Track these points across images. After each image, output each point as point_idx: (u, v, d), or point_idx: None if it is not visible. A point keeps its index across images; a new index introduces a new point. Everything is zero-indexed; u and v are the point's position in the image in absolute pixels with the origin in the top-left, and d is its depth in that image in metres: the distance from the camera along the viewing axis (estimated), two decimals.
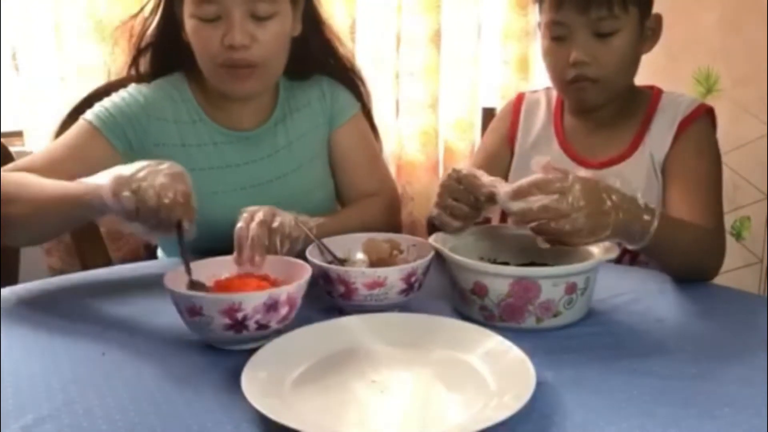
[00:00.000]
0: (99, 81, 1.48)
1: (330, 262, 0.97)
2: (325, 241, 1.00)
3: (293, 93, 1.29)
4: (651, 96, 1.26)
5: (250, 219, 0.97)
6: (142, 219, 0.90)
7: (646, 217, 0.91)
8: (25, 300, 1.01)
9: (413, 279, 0.91)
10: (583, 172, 0.89)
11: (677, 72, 2.09)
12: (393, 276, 0.89)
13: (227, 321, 0.79)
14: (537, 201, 0.86)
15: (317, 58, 1.30)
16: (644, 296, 1.01)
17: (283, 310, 0.81)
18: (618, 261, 1.18)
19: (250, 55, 1.11)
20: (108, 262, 1.38)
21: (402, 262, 0.96)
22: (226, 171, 1.22)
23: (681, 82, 2.10)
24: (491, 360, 0.77)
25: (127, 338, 0.88)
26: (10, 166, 1.13)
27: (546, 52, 1.21)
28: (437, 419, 0.71)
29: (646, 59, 1.22)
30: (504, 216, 1.19)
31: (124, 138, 1.17)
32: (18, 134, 1.69)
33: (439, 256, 0.94)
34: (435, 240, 0.97)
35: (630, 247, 0.93)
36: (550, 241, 0.89)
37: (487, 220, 1.00)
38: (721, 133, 1.24)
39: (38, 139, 1.65)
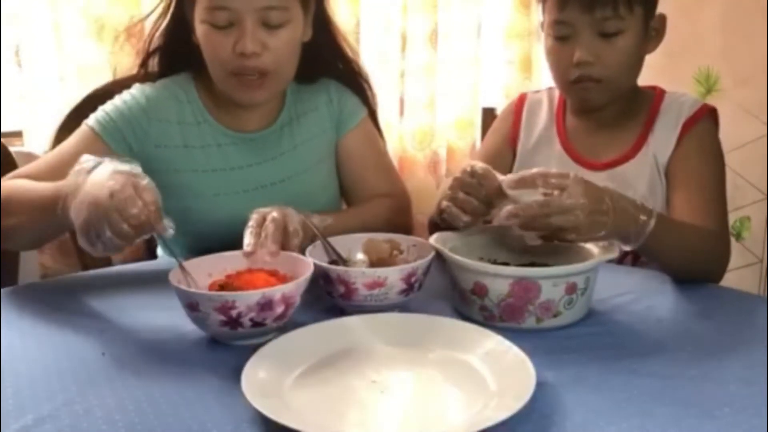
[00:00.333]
0: (99, 81, 1.48)
1: (333, 262, 0.97)
2: None
3: (300, 96, 1.29)
4: (654, 96, 1.26)
5: (262, 219, 0.97)
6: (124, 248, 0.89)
7: (643, 218, 0.91)
8: (25, 300, 1.01)
9: (413, 279, 0.91)
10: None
11: (677, 72, 2.09)
12: (393, 276, 0.89)
13: (222, 318, 0.80)
14: (537, 196, 0.87)
15: (326, 62, 1.30)
16: (644, 296, 1.01)
17: (279, 309, 0.82)
18: (620, 261, 1.18)
19: (261, 63, 1.11)
20: (108, 262, 1.38)
21: (402, 263, 0.96)
22: (230, 173, 1.22)
23: (681, 82, 2.10)
24: (491, 360, 0.77)
25: (127, 338, 0.88)
26: (13, 174, 1.13)
27: (549, 51, 1.21)
28: (437, 419, 0.71)
29: (646, 59, 1.22)
30: None
31: (123, 143, 1.16)
32: (17, 134, 1.69)
33: (439, 256, 0.94)
34: (435, 240, 0.97)
35: (625, 247, 0.93)
36: (545, 238, 0.89)
37: (490, 222, 1.00)
38: (721, 133, 1.24)
39: (37, 139, 1.65)
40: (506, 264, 0.99)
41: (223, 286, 0.88)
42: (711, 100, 1.25)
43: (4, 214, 1.03)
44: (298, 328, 0.83)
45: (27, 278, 1.39)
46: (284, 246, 0.96)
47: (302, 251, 0.95)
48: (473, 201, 0.97)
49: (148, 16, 1.23)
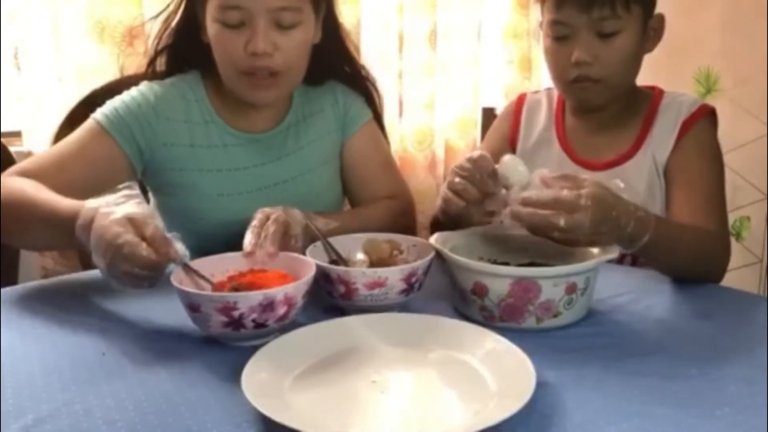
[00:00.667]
0: (98, 81, 1.48)
1: (333, 262, 0.97)
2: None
3: (307, 98, 1.29)
4: (652, 96, 1.26)
5: (266, 219, 0.97)
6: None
7: (641, 223, 0.91)
8: (25, 300, 1.01)
9: (413, 279, 0.91)
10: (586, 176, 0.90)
11: (677, 72, 2.09)
12: (393, 276, 0.89)
13: (224, 319, 0.80)
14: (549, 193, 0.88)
15: (333, 65, 1.30)
16: (644, 296, 1.01)
17: (281, 310, 0.82)
18: (619, 261, 1.18)
19: (272, 63, 1.11)
20: None
21: (402, 263, 0.96)
22: (234, 173, 1.22)
23: (681, 82, 2.10)
24: (491, 360, 0.77)
25: (127, 338, 0.88)
26: (17, 167, 1.12)
27: (548, 51, 1.21)
28: (437, 419, 0.71)
29: (646, 59, 1.22)
30: None
31: (131, 139, 1.16)
32: (17, 134, 1.69)
33: (439, 256, 0.94)
34: (435, 240, 0.97)
35: (623, 251, 0.93)
36: (551, 239, 0.89)
37: (491, 213, 0.99)
38: (720, 133, 1.24)
39: (37, 140, 1.65)
40: (506, 264, 0.99)
41: (236, 288, 0.87)
42: (711, 100, 1.25)
43: (18, 222, 1.03)
44: (298, 328, 0.83)
45: (27, 275, 1.39)
46: (285, 247, 0.96)
47: (303, 252, 0.96)
48: (468, 186, 0.97)
49: (158, 15, 1.23)
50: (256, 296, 0.80)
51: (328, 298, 0.93)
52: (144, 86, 1.21)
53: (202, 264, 0.90)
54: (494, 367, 0.76)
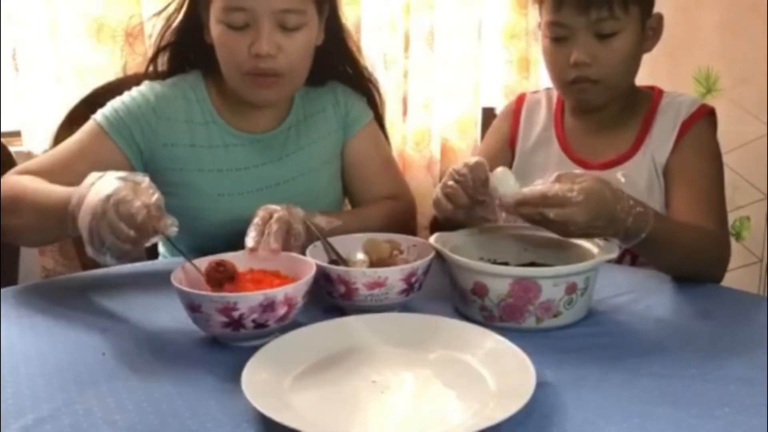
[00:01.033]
0: (97, 81, 1.48)
1: (333, 262, 0.97)
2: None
3: (308, 98, 1.29)
4: (652, 96, 1.26)
5: (269, 216, 0.97)
6: (136, 252, 0.89)
7: (640, 218, 0.91)
8: (25, 300, 1.01)
9: (413, 279, 0.91)
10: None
11: (677, 72, 2.09)
12: (393, 276, 0.89)
13: (224, 319, 0.80)
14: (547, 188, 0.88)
15: (335, 65, 1.30)
16: (644, 296, 1.01)
17: (281, 310, 0.82)
18: (618, 261, 1.18)
19: (276, 65, 1.11)
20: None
21: (402, 263, 0.96)
22: (235, 173, 1.22)
23: (681, 82, 2.10)
24: (491, 360, 0.77)
25: (127, 338, 0.88)
26: (17, 168, 1.13)
27: (546, 52, 1.21)
28: (437, 419, 0.71)
29: (646, 59, 1.22)
30: None
31: (131, 140, 1.17)
32: (16, 134, 1.69)
33: (439, 256, 0.94)
34: (435, 240, 0.97)
35: (622, 246, 0.93)
36: (546, 227, 0.89)
37: (481, 219, 1.00)
38: (720, 133, 1.24)
39: (35, 140, 1.65)
40: (506, 264, 0.99)
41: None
42: (711, 100, 1.25)
43: (13, 213, 1.03)
44: (298, 328, 0.83)
45: (27, 275, 1.39)
46: (286, 246, 0.96)
47: (303, 251, 0.96)
48: (459, 191, 0.97)
49: (160, 13, 1.23)
50: (256, 296, 0.80)
51: (328, 298, 0.93)
52: (144, 86, 1.21)
53: (201, 264, 0.90)
54: (494, 367, 0.76)
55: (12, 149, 1.38)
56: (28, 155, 1.60)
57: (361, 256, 0.99)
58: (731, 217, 1.23)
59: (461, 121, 2.13)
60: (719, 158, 1.21)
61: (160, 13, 1.24)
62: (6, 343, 0.86)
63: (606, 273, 0.96)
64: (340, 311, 0.92)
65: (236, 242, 0.95)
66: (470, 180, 0.97)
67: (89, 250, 0.87)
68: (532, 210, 0.88)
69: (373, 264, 0.96)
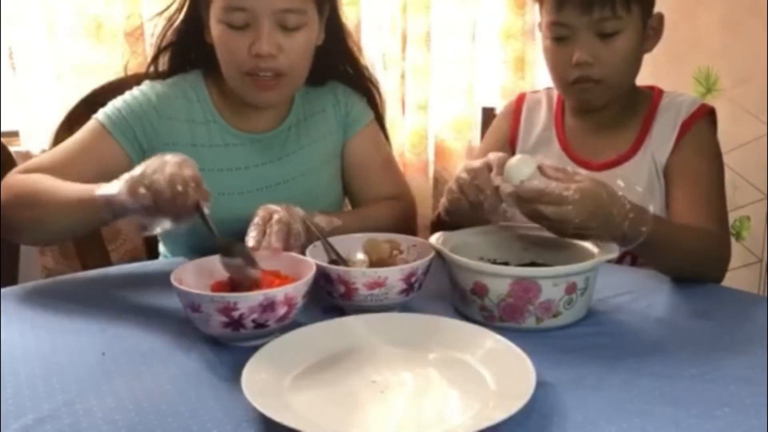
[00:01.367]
0: (96, 80, 1.48)
1: (333, 262, 0.97)
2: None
3: (308, 98, 1.29)
4: (652, 96, 1.26)
5: (269, 216, 0.97)
6: (162, 211, 0.91)
7: (637, 222, 0.91)
8: (25, 300, 1.01)
9: (413, 279, 0.91)
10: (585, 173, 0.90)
11: (677, 72, 2.09)
12: (393, 276, 0.89)
13: (224, 319, 0.80)
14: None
15: (336, 66, 1.30)
16: (644, 296, 1.01)
17: (281, 310, 0.82)
18: (619, 261, 1.18)
19: (276, 65, 1.12)
20: (107, 263, 1.38)
21: (402, 263, 0.96)
22: (235, 173, 1.22)
23: (681, 82, 2.10)
24: (491, 360, 0.77)
25: (127, 338, 0.88)
26: (21, 167, 1.13)
27: (548, 52, 1.21)
28: (437, 419, 0.71)
29: (646, 59, 1.22)
30: None
31: (134, 139, 1.17)
32: (14, 134, 1.69)
33: (439, 256, 0.94)
34: (435, 240, 0.97)
35: (621, 249, 0.93)
36: (543, 225, 0.89)
37: (488, 221, 1.00)
38: (720, 133, 1.24)
39: (34, 139, 1.65)
40: (506, 264, 0.99)
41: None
42: (711, 100, 1.25)
43: (27, 207, 1.04)
44: (298, 328, 0.83)
45: (27, 275, 1.39)
46: (286, 246, 0.96)
47: (303, 251, 0.96)
48: (462, 202, 0.97)
49: (161, 13, 1.23)
50: (256, 296, 0.80)
51: (328, 298, 0.93)
52: (146, 86, 1.22)
53: (201, 264, 0.90)
54: (494, 367, 0.76)
55: (10, 149, 1.38)
56: (27, 155, 1.60)
57: (361, 256, 0.99)
58: (731, 217, 1.23)
59: (456, 121, 2.13)
60: (720, 158, 1.21)
61: (161, 13, 1.24)
62: (6, 343, 0.86)
63: (606, 273, 0.96)
64: (339, 311, 0.92)
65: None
66: (470, 185, 0.96)
67: (123, 192, 0.92)
68: (528, 205, 0.88)
69: (373, 264, 0.97)
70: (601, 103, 1.22)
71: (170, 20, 1.22)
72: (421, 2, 2.00)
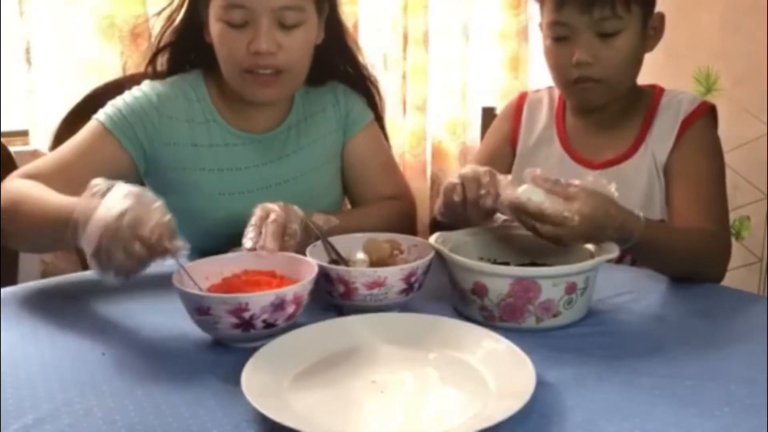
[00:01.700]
0: (107, 78, 1.48)
1: (333, 261, 0.97)
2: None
3: (308, 98, 1.29)
4: (653, 95, 1.26)
5: (265, 216, 0.97)
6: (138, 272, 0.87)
7: (626, 232, 0.91)
8: (24, 300, 1.01)
9: (413, 279, 0.91)
10: (578, 182, 0.90)
11: (677, 71, 2.09)
12: (393, 276, 0.89)
13: (235, 320, 0.79)
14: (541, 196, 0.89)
15: (335, 65, 1.30)
16: (644, 296, 1.01)
17: (290, 309, 0.82)
18: (619, 261, 1.18)
19: (276, 62, 1.12)
20: None
21: (402, 263, 0.96)
22: (236, 173, 1.22)
23: (681, 82, 2.10)
24: (491, 360, 0.77)
25: (127, 338, 0.88)
26: (21, 171, 1.12)
27: (548, 52, 1.21)
28: (437, 419, 0.71)
29: (646, 59, 1.22)
30: None
31: (135, 139, 1.16)
32: (24, 133, 1.69)
33: (439, 256, 0.94)
34: (435, 240, 0.97)
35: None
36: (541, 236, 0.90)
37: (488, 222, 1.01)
38: (720, 133, 1.24)
39: (44, 138, 1.65)
40: (506, 264, 0.99)
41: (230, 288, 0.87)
42: (710, 100, 1.24)
43: (10, 219, 1.03)
44: (298, 328, 0.83)
45: (27, 275, 1.39)
46: (281, 246, 0.96)
47: (302, 251, 0.96)
48: (458, 214, 0.98)
49: (161, 12, 1.23)
50: (267, 296, 0.80)
51: (328, 298, 0.93)
52: (146, 85, 1.21)
53: (195, 267, 0.90)
54: (494, 367, 0.76)
55: (20, 148, 1.38)
56: (35, 153, 1.60)
57: (361, 255, 0.99)
58: (731, 217, 1.23)
59: (450, 122, 2.13)
60: (720, 156, 1.21)
61: (160, 12, 1.24)
62: (6, 343, 0.86)
63: (606, 273, 0.96)
64: (339, 311, 0.92)
65: (237, 241, 0.95)
66: (473, 180, 0.96)
67: (92, 265, 0.85)
68: (526, 218, 0.89)
69: (373, 264, 0.96)
70: (602, 102, 1.22)
71: (169, 20, 1.22)
72: (420, 2, 2.00)
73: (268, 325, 0.81)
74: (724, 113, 1.26)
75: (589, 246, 0.95)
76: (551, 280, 0.87)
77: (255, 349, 0.77)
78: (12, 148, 1.37)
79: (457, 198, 0.97)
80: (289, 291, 0.81)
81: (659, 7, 1.20)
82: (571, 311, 0.89)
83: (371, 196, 1.31)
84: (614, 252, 0.91)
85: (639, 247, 0.94)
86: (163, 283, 0.84)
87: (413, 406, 0.73)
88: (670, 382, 0.76)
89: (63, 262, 1.68)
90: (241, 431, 0.67)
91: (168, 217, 0.85)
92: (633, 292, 1.02)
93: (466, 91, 2.13)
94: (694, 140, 1.20)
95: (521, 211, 0.89)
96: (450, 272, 0.94)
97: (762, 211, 2.14)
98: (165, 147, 1.19)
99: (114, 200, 0.85)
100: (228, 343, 0.85)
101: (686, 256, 1.04)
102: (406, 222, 1.28)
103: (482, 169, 0.97)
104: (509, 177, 0.96)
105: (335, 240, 1.01)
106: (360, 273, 0.89)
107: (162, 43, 1.24)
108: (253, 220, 0.97)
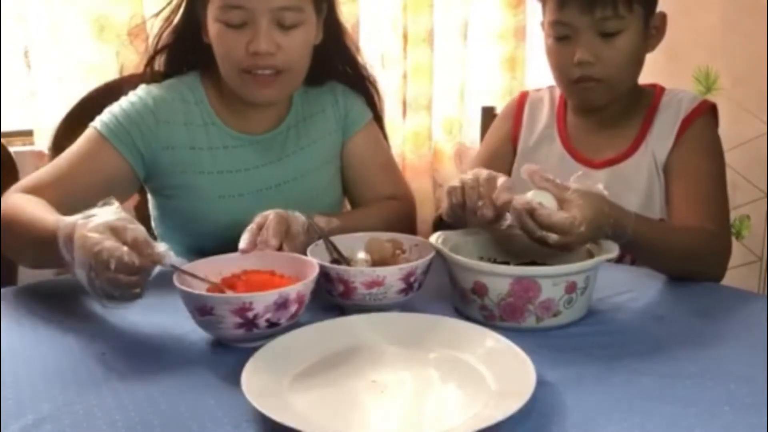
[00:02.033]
0: (103, 79, 1.48)
1: (335, 261, 0.97)
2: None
3: (307, 98, 1.29)
4: (653, 94, 1.26)
5: (264, 222, 0.97)
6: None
7: (624, 219, 0.92)
8: (24, 300, 1.01)
9: (412, 279, 0.91)
10: (573, 185, 0.90)
11: (677, 71, 2.09)
12: (392, 275, 0.89)
13: (238, 320, 0.79)
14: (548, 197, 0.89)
15: (334, 65, 1.30)
16: (644, 295, 1.01)
17: (293, 308, 0.82)
18: (618, 260, 1.18)
19: (274, 62, 1.11)
20: None
21: (404, 262, 0.96)
22: (235, 175, 1.21)
23: (681, 81, 2.10)
24: (491, 359, 0.77)
25: (127, 338, 0.88)
26: (20, 184, 1.11)
27: (550, 51, 1.21)
28: (437, 419, 0.71)
29: (646, 58, 1.22)
30: None
31: (132, 146, 1.16)
32: (28, 133, 1.69)
33: (440, 256, 0.94)
34: (435, 240, 0.97)
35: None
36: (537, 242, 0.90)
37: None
38: (720, 132, 1.24)
39: (47, 139, 1.65)
40: (506, 263, 0.99)
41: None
42: (710, 99, 1.24)
43: (8, 236, 1.02)
44: (298, 328, 0.83)
45: (27, 276, 1.38)
46: (281, 243, 0.96)
47: (304, 252, 0.96)
48: (462, 217, 0.97)
49: (159, 13, 1.23)
50: (271, 296, 0.80)
51: (328, 297, 0.93)
52: (142, 90, 1.20)
53: (194, 267, 0.90)
54: (494, 367, 0.76)
55: (20, 148, 1.38)
56: (40, 155, 1.60)
57: (362, 255, 0.99)
58: (731, 216, 1.23)
59: (446, 122, 2.12)
60: (721, 155, 1.21)
61: (158, 14, 1.23)
62: (6, 343, 0.86)
63: (606, 272, 0.96)
64: (339, 310, 0.92)
65: (237, 243, 0.95)
66: (459, 197, 0.96)
67: (96, 298, 0.84)
68: (533, 227, 0.88)
69: (375, 263, 0.96)
70: (603, 101, 1.22)
71: (167, 21, 1.22)
72: (421, 1, 1.99)
73: (271, 324, 0.81)
74: (723, 112, 1.26)
75: (589, 245, 0.95)
76: (551, 279, 0.87)
77: (255, 349, 0.77)
78: (12, 149, 1.37)
79: (455, 201, 0.97)
80: (292, 290, 0.81)
81: (660, 7, 1.20)
82: (571, 311, 0.89)
83: (371, 196, 1.31)
84: (614, 251, 0.91)
85: (634, 244, 0.94)
86: (163, 282, 0.84)
87: (413, 405, 0.74)
88: (670, 382, 0.76)
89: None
90: (241, 431, 0.67)
91: (137, 231, 0.82)
92: (633, 291, 1.02)
93: (464, 91, 2.12)
94: (694, 139, 1.20)
95: (528, 218, 0.88)
96: (450, 272, 0.94)
97: (762, 210, 2.14)
98: (163, 151, 1.18)
99: (85, 240, 0.82)
100: (229, 343, 0.85)
101: (685, 255, 1.04)
102: (405, 222, 1.28)
103: (484, 174, 0.96)
104: (508, 182, 0.95)
105: (337, 239, 1.01)
106: (359, 272, 0.89)
107: (160, 45, 1.24)
108: (251, 226, 0.97)
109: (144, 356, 0.83)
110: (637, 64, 1.21)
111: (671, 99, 1.24)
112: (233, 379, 0.72)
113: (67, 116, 1.36)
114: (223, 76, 1.16)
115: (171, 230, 1.24)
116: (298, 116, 1.28)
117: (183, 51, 1.23)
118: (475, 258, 0.96)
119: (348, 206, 1.39)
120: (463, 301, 0.93)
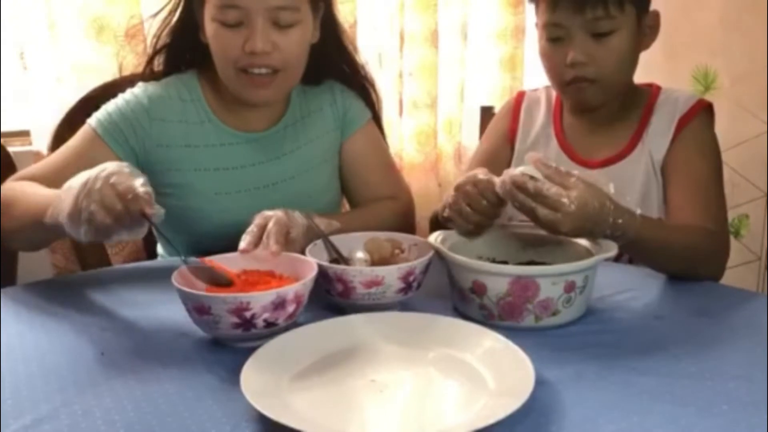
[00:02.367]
0: (102, 80, 1.48)
1: (334, 261, 0.97)
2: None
3: (305, 97, 1.29)
4: (649, 93, 1.26)
5: (265, 222, 0.97)
6: (111, 231, 0.88)
7: (620, 229, 0.91)
8: (23, 300, 1.01)
9: (411, 278, 0.91)
10: (576, 173, 0.90)
11: (676, 70, 2.09)
12: (391, 275, 0.89)
13: (235, 320, 0.79)
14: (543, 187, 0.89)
15: (332, 64, 1.30)
16: (643, 294, 1.01)
17: (291, 308, 0.82)
18: (617, 259, 1.18)
19: (271, 61, 1.12)
20: (107, 263, 1.38)
21: (403, 262, 0.96)
22: (232, 172, 1.21)
23: (679, 81, 2.10)
24: (490, 359, 0.77)
25: (126, 338, 0.88)
26: (18, 174, 1.13)
27: (543, 53, 1.21)
28: (436, 418, 0.71)
29: (644, 57, 1.22)
30: None
31: (126, 144, 1.16)
32: (25, 133, 1.69)
33: (439, 255, 0.94)
34: (434, 239, 0.97)
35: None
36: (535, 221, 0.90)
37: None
38: (719, 131, 1.24)
39: (45, 139, 1.64)
40: (505, 262, 0.99)
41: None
42: (709, 98, 1.24)
43: (8, 214, 1.04)
44: (297, 328, 0.83)
45: (27, 276, 1.38)
46: (283, 247, 0.96)
47: (302, 252, 0.96)
48: (473, 214, 0.96)
49: (157, 13, 1.23)
50: (268, 295, 0.80)
51: (328, 297, 0.93)
52: (138, 88, 1.21)
53: (192, 268, 0.89)
54: (493, 366, 0.76)
55: (21, 149, 1.38)
56: (37, 155, 1.60)
57: (361, 254, 0.99)
58: (730, 216, 1.23)
59: (446, 121, 2.12)
60: (718, 154, 1.21)
61: (156, 14, 1.24)
62: (5, 343, 0.86)
63: (605, 271, 0.96)
64: (338, 310, 0.92)
65: (234, 241, 0.95)
66: (483, 197, 0.95)
67: (68, 226, 0.88)
68: (524, 199, 0.88)
69: (374, 263, 0.97)
70: (598, 102, 1.22)
71: (165, 21, 1.22)
72: (421, 1, 1.99)
73: (269, 324, 0.81)
74: (723, 111, 1.26)
75: (588, 244, 0.95)
76: (550, 278, 0.87)
77: (254, 349, 0.77)
78: (11, 149, 1.37)
79: (446, 215, 0.98)
80: (290, 290, 0.81)
81: (658, 6, 1.20)
82: (570, 310, 0.89)
83: (369, 196, 1.31)
84: (613, 250, 0.91)
85: (635, 245, 0.94)
86: (163, 282, 0.84)
87: (412, 405, 0.74)
88: (669, 381, 0.76)
89: (73, 265, 1.67)
90: (240, 431, 0.67)
91: (149, 188, 0.87)
92: (632, 290, 1.02)
93: (463, 91, 2.12)
94: (691, 138, 1.20)
95: (520, 190, 0.88)
96: (449, 271, 0.94)
97: (761, 209, 2.14)
98: (157, 149, 1.18)
99: (95, 168, 0.89)
100: (227, 343, 0.85)
101: (683, 254, 1.04)
102: (404, 222, 1.28)
103: (481, 176, 0.96)
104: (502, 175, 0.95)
105: (336, 239, 1.01)
106: (358, 272, 0.89)
107: (158, 44, 1.24)
108: (251, 227, 0.97)
109: (143, 356, 0.83)
110: (631, 63, 1.21)
111: (667, 98, 1.24)
112: (232, 378, 0.72)
113: (66, 116, 1.36)
114: (221, 76, 1.17)
115: (168, 229, 1.24)
116: (296, 115, 1.28)
117: (181, 50, 1.24)
118: (474, 257, 0.96)
119: (347, 206, 1.39)
120: (462, 300, 0.93)
